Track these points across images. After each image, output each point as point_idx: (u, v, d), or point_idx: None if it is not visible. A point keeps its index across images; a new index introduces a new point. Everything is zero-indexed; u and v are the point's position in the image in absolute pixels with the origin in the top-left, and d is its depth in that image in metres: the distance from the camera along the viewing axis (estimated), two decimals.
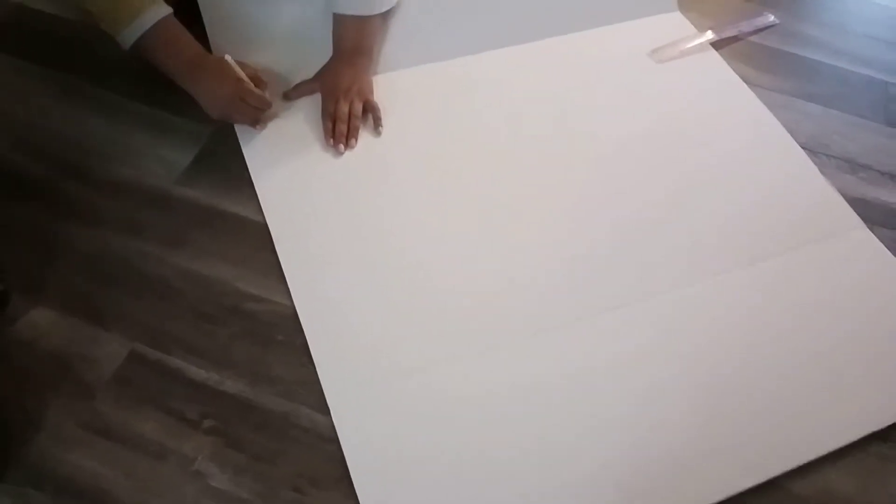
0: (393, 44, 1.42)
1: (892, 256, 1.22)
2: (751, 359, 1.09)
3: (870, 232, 1.25)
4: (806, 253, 1.22)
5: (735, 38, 1.56)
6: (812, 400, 1.06)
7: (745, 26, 1.58)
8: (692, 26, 1.56)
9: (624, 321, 1.12)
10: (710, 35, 1.53)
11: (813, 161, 1.35)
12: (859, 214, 1.27)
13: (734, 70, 1.49)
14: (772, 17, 1.60)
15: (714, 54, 1.52)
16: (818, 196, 1.30)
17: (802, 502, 0.98)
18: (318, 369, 1.04)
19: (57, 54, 1.38)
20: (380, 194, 1.24)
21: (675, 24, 1.57)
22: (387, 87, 1.38)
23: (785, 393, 1.06)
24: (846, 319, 1.15)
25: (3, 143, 1.25)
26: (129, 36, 1.18)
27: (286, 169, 1.25)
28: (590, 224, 1.23)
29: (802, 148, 1.37)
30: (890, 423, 1.04)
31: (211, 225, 1.18)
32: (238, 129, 1.29)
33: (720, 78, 1.49)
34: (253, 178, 1.24)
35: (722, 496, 0.96)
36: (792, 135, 1.39)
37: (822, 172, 1.34)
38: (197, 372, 1.03)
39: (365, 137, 1.31)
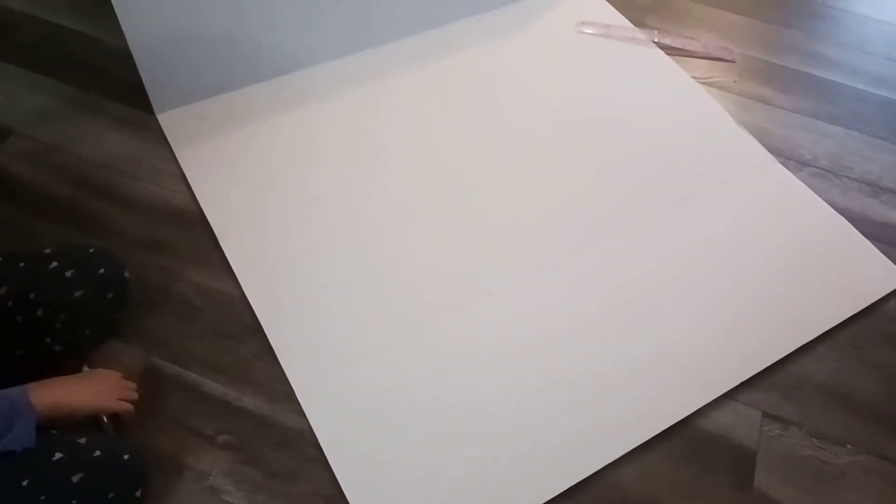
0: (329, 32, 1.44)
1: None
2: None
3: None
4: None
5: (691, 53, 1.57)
6: None
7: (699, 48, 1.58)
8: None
9: (580, 273, 1.18)
10: (655, 35, 1.57)
11: (836, 183, 1.35)
12: (882, 239, 1.26)
13: (754, 91, 1.49)
14: (734, 57, 1.58)
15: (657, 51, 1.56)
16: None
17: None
18: (283, 365, 1.05)
19: (82, 72, 1.40)
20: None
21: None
22: (316, 78, 1.41)
23: None
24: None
25: (28, 162, 1.27)
26: None
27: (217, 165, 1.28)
28: (534, 192, 1.29)
29: (823, 169, 1.37)
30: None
31: None
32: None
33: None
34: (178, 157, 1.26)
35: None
36: (813, 156, 1.39)
37: (843, 195, 1.33)
38: (214, 387, 1.03)
39: (301, 133, 1.32)
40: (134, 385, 0.97)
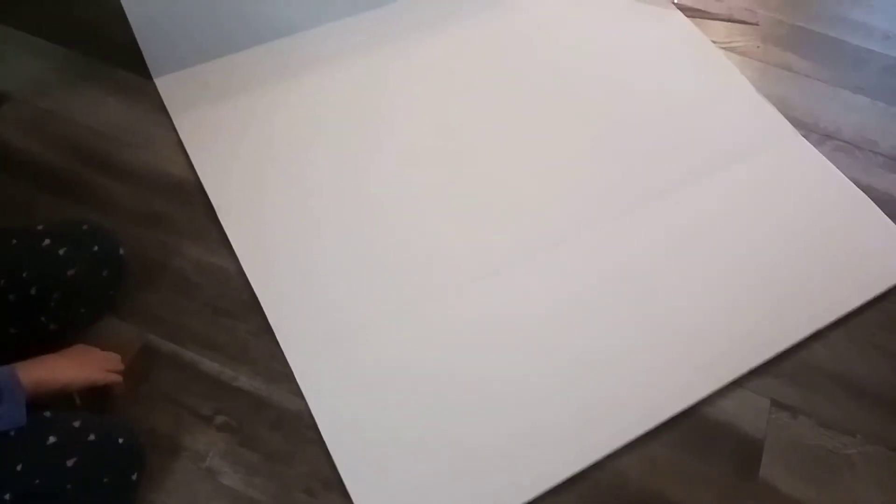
0: None
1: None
2: None
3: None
4: None
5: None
6: None
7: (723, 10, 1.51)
8: None
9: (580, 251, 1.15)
10: None
11: (859, 158, 1.29)
12: None
13: (777, 58, 1.42)
14: (757, 20, 1.51)
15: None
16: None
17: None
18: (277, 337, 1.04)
19: (82, 36, 1.36)
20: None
21: None
22: (318, 41, 1.37)
23: None
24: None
25: (24, 130, 1.24)
26: None
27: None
28: (543, 164, 1.25)
29: (847, 143, 1.31)
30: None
31: None
32: None
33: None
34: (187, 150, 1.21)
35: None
36: (836, 128, 1.33)
37: (867, 171, 1.27)
38: (211, 366, 1.02)
39: (304, 103, 1.28)
40: (118, 356, 0.95)
